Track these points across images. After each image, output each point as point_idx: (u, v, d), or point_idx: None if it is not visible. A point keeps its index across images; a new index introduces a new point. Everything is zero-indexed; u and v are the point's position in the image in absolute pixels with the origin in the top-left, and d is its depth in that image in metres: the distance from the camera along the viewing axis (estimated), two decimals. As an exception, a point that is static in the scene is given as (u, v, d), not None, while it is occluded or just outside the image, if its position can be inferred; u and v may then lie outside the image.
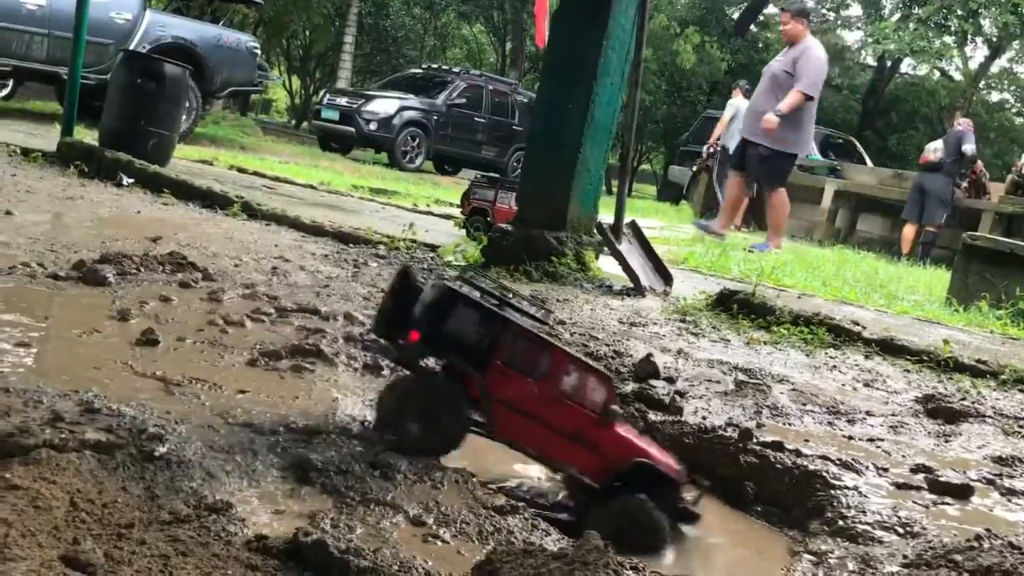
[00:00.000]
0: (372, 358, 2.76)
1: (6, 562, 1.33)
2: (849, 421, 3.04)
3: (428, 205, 9.22)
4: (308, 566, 1.56)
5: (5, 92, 12.57)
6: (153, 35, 11.43)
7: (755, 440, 2.64)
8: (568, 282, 4.82)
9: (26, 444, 1.70)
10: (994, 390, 3.68)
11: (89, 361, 2.41)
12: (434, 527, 1.83)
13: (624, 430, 2.20)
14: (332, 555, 1.57)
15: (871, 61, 32.58)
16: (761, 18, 32.69)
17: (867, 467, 2.59)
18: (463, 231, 6.53)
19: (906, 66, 32.72)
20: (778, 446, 2.62)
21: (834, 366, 3.74)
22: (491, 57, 36.09)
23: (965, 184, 14.02)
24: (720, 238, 9.36)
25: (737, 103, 13.67)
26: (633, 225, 5.53)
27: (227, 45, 12.47)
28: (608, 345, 3.50)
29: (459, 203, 7.40)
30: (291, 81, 33.88)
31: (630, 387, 2.96)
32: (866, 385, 3.52)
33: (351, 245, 5.09)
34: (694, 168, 16.74)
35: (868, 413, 3.14)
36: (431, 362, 2.24)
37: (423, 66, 23.40)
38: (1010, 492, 2.54)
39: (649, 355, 3.26)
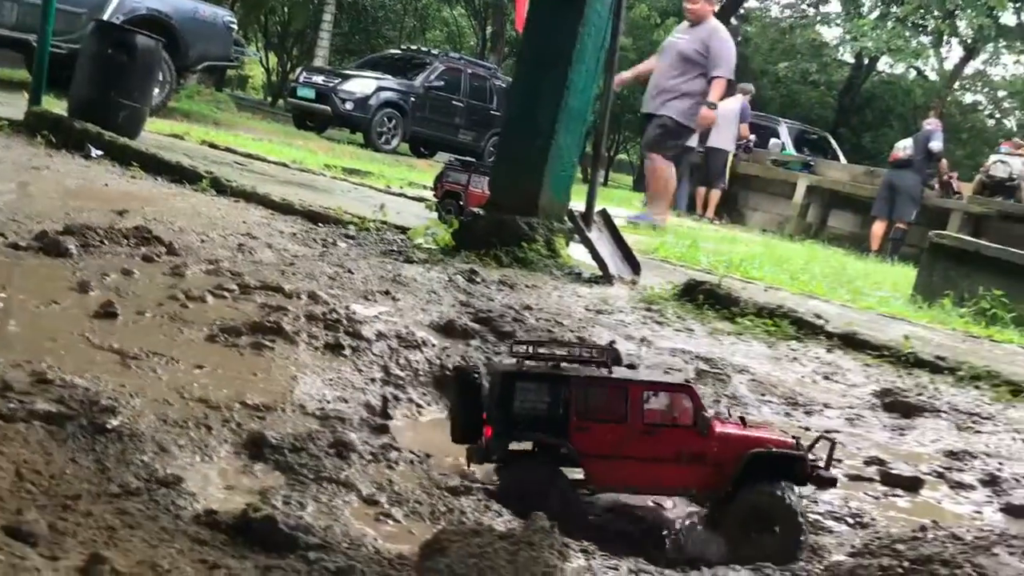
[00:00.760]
0: (334, 338, 2.75)
1: (-53, 531, 1.32)
2: (807, 412, 3.08)
3: (401, 187, 9.17)
4: (257, 542, 1.55)
5: (-28, 58, 12.37)
6: (128, 6, 11.25)
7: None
8: (538, 268, 4.82)
9: (-27, 413, 1.69)
10: (951, 386, 3.73)
11: (45, 332, 2.38)
12: (387, 506, 1.84)
13: (725, 427, 2.11)
14: (281, 531, 1.57)
15: (849, 58, 32.79)
16: (742, 11, 32.80)
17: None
18: (435, 214, 6.51)
19: (883, 64, 33.01)
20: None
21: (795, 358, 3.78)
22: (471, 40, 35.92)
23: (936, 184, 14.18)
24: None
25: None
26: (604, 214, 5.54)
27: (203, 19, 12.31)
28: (573, 331, 3.51)
29: (432, 186, 7.38)
30: (268, 58, 33.50)
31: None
32: (826, 378, 3.56)
33: (320, 224, 5.06)
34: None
35: (826, 405, 3.18)
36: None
37: (402, 47, 23.23)
38: (959, 485, 2.59)
39: (612, 342, 3.27)
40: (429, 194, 7.57)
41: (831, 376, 3.59)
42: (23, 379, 1.93)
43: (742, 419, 2.20)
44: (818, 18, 33.07)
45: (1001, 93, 35.37)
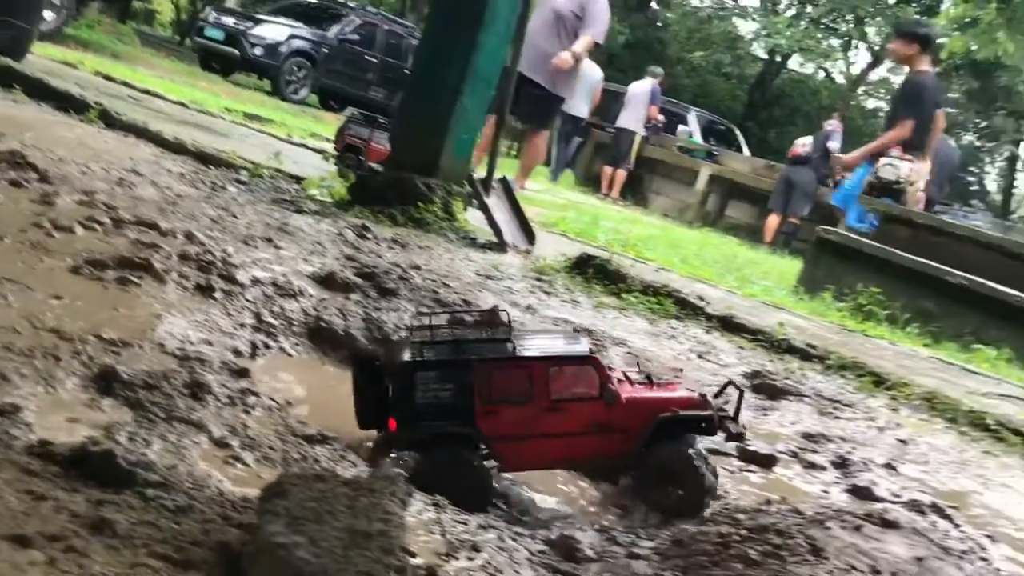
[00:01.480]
0: (206, 280, 2.67)
1: None
2: (677, 388, 3.14)
3: (303, 138, 8.96)
4: (93, 475, 1.50)
5: None
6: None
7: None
8: (433, 230, 4.78)
9: None
10: (819, 373, 3.88)
11: None
12: (238, 450, 1.80)
13: (631, 392, 2.09)
14: (119, 466, 1.51)
15: (762, 54, 33.53)
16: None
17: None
18: (334, 167, 6.38)
19: (794, 63, 33.85)
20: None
21: (673, 336, 3.86)
22: (392, -2, 35.26)
23: (831, 182, 14.66)
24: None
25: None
26: (504, 181, 5.53)
27: (107, -57, 11.74)
28: (459, 294, 3.50)
29: (333, 139, 7.23)
30: (179, -6, 32.19)
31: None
32: (700, 356, 3.65)
33: (212, 167, 4.90)
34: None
35: (697, 382, 3.25)
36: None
37: (319, -4, 22.67)
38: (811, 465, 2.70)
39: (496, 307, 3.27)
40: (330, 147, 7.42)
41: (705, 355, 3.68)
42: None
43: (649, 377, 2.20)
44: (735, 11, 33.70)
45: (901, 102, 36.68)
